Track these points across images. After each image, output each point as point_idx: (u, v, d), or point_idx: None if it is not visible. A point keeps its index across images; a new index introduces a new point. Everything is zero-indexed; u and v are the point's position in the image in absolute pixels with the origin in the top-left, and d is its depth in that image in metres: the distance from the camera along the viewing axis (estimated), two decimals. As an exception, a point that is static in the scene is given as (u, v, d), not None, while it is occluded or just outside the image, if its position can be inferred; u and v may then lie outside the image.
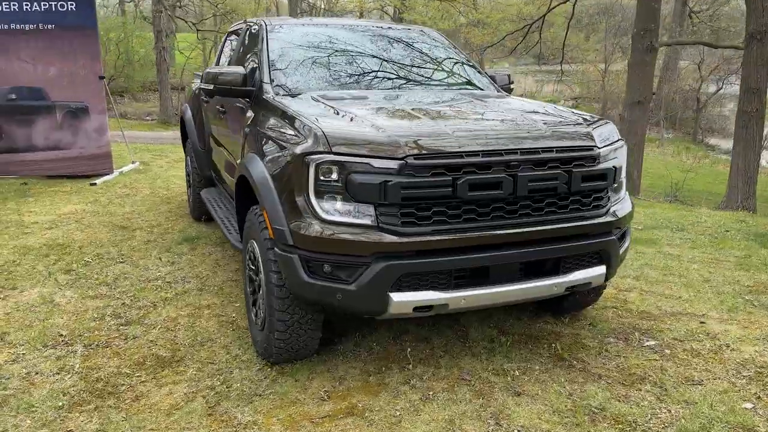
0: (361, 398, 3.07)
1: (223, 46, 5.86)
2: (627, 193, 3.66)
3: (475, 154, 2.96)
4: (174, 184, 8.26)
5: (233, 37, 5.57)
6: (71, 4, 7.82)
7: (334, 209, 2.93)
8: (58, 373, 3.37)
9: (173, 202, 7.19)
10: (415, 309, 3.00)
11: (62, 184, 8.01)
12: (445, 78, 4.45)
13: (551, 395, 3.07)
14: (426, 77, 4.37)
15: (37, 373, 3.37)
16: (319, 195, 2.93)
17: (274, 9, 40.42)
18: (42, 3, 7.74)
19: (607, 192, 3.34)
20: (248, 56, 4.60)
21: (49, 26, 7.84)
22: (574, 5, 17.74)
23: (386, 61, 4.40)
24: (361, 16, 37.40)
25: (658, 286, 4.76)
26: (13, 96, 7.98)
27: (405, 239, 2.88)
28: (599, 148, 3.26)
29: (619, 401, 3.02)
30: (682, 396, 3.07)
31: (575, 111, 3.80)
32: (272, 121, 3.49)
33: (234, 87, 4.01)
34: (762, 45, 11.08)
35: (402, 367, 3.37)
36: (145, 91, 28.63)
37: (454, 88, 4.37)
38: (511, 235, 3.05)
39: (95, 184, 7.98)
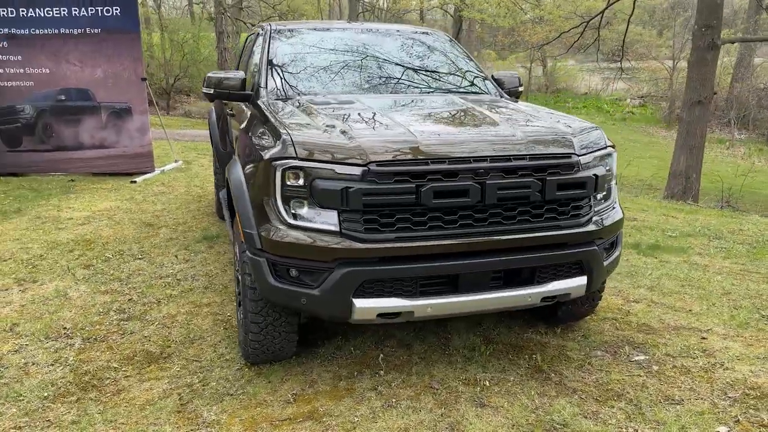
0: (324, 402, 3.09)
1: (242, 50, 5.99)
2: (618, 201, 3.53)
3: (441, 160, 2.93)
4: (209, 183, 8.50)
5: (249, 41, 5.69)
6: (116, 9, 8.17)
7: (299, 214, 2.96)
8: (52, 365, 3.55)
9: (203, 201, 7.41)
10: (380, 315, 3.00)
11: (105, 181, 8.39)
12: (441, 82, 4.41)
13: (516, 408, 3.00)
14: (422, 81, 4.34)
15: (33, 364, 3.56)
16: (285, 200, 2.97)
17: (337, 9, 40.89)
18: (89, 8, 8.12)
19: (589, 201, 3.23)
20: (252, 60, 4.69)
21: (96, 30, 8.22)
22: (634, 2, 17.12)
23: (385, 64, 4.40)
24: (422, 15, 37.34)
25: (671, 298, 4.57)
26: (63, 97, 8.43)
27: (367, 245, 2.89)
28: (578, 156, 3.16)
29: (586, 418, 2.93)
30: (655, 416, 2.94)
31: (566, 117, 3.68)
32: (256, 126, 3.56)
33: (233, 92, 4.10)
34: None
35: (374, 372, 3.37)
36: (209, 90, 29.48)
37: (449, 92, 4.32)
38: (480, 243, 3.01)
39: (135, 181, 8.32)
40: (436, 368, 3.41)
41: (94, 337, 3.91)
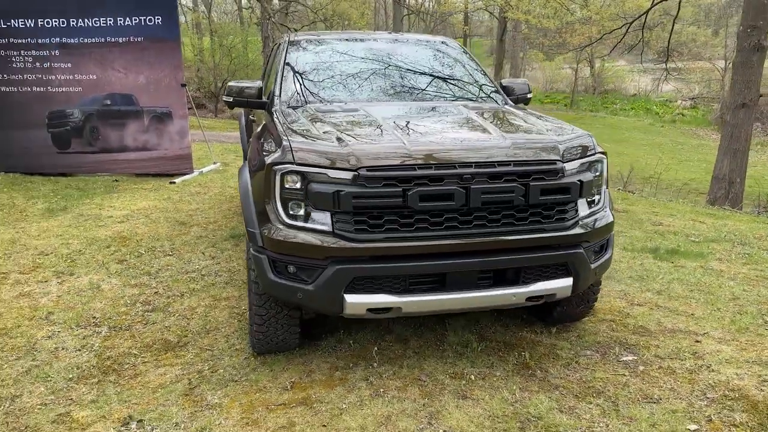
0: (318, 390, 3.33)
1: (267, 59, 6.29)
2: (608, 205, 3.65)
3: (427, 166, 3.13)
4: (244, 183, 8.86)
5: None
6: (158, 19, 8.62)
7: (296, 215, 3.20)
8: (79, 350, 3.89)
9: (235, 201, 7.76)
10: (369, 310, 3.22)
11: (147, 181, 8.85)
12: (447, 90, 4.59)
13: (495, 401, 3.17)
14: (428, 90, 4.54)
15: (62, 349, 3.91)
16: (284, 202, 3.22)
17: (383, 12, 41.26)
18: (133, 18, 8.59)
19: (574, 205, 3.36)
20: (273, 69, 4.97)
21: (139, 39, 8.69)
22: (679, 2, 16.83)
23: (394, 74, 4.61)
24: (466, 17, 37.32)
25: (676, 302, 4.63)
26: (108, 102, 8.93)
27: (357, 245, 3.10)
28: (563, 162, 3.30)
29: (562, 412, 3.07)
30: (629, 412, 3.06)
31: (560, 125, 3.81)
32: (266, 132, 3.82)
33: (250, 99, 4.39)
34: None
35: (368, 364, 3.59)
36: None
37: (453, 100, 4.48)
38: (465, 244, 3.19)
39: (174, 182, 8.75)
40: (427, 362, 3.60)
41: (119, 326, 4.24)
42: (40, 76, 8.80)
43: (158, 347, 3.94)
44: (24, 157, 9.09)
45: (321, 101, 4.28)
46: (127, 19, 8.60)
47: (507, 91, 4.84)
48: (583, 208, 3.43)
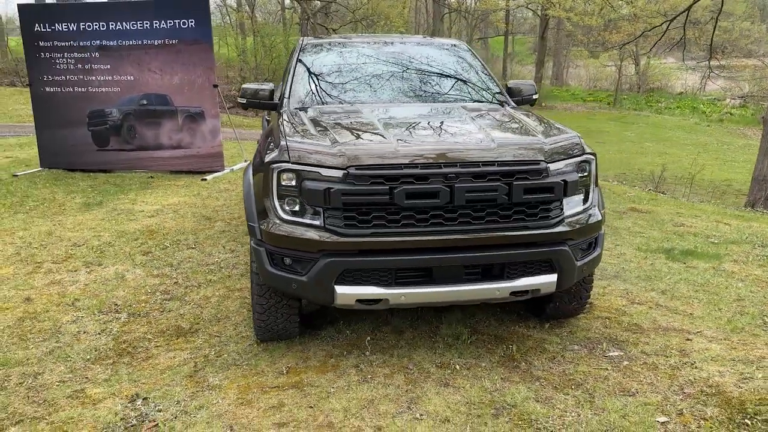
0: (311, 375, 3.54)
1: (288, 61, 6.54)
2: (597, 204, 3.74)
3: (413, 166, 3.30)
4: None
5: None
6: (191, 21, 8.98)
7: (291, 211, 3.42)
8: (99, 334, 4.20)
9: (261, 198, 8.04)
10: (358, 301, 3.41)
11: (180, 178, 9.24)
12: (449, 92, 4.74)
13: (475, 389, 3.33)
14: (430, 91, 4.70)
15: (84, 333, 4.22)
16: (280, 198, 3.44)
17: (424, 11, 41.33)
18: (167, 21, 8.98)
19: (559, 204, 3.48)
20: (287, 71, 5.20)
21: (173, 41, 9.07)
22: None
23: (399, 76, 4.78)
24: (508, 15, 37.09)
25: (678, 302, 4.68)
26: (145, 102, 9.35)
27: (346, 239, 3.30)
28: (547, 162, 3.42)
29: (537, 402, 3.20)
30: (603, 404, 3.17)
31: (551, 126, 3.91)
32: (271, 132, 4.05)
33: (262, 101, 4.63)
34: None
35: (361, 353, 3.78)
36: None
37: (453, 101, 4.62)
38: (450, 240, 3.35)
39: (206, 179, 9.11)
40: (417, 352, 3.78)
41: (138, 312, 4.54)
42: (81, 77, 9.28)
43: (171, 333, 4.22)
44: (66, 154, 9.59)
45: (326, 102, 4.49)
46: (162, 22, 8.99)
47: (513, 92, 4.96)
48: (569, 207, 3.54)
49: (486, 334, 4.03)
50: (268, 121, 5.43)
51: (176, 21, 9.00)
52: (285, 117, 4.12)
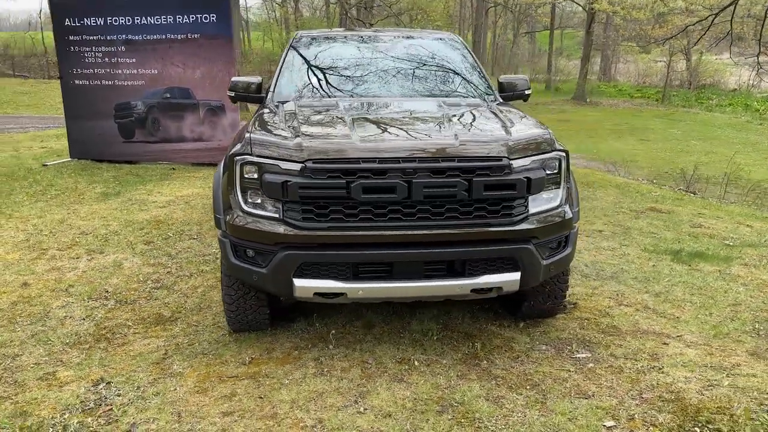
0: (270, 366, 3.57)
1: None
2: (571, 203, 3.66)
3: (371, 160, 3.28)
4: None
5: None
6: (212, 16, 9.15)
7: (254, 203, 3.46)
8: (83, 320, 4.33)
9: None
10: (317, 294, 3.42)
11: (199, 170, 9.43)
12: (430, 86, 4.69)
13: (427, 386, 3.30)
14: (409, 86, 4.66)
15: (70, 318, 4.36)
16: (243, 190, 3.48)
17: (468, 3, 40.93)
18: (190, 16, 9.17)
19: (523, 201, 3.40)
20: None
21: (195, 35, 9.26)
22: (771, -9, 15.76)
23: (382, 70, 4.76)
24: (553, 8, 36.38)
25: (667, 305, 4.54)
26: (168, 95, 9.58)
27: (304, 232, 3.32)
28: (510, 159, 3.35)
29: (487, 400, 3.16)
30: (554, 405, 3.11)
31: (522, 122, 3.81)
32: (246, 125, 4.09)
33: (249, 94, 4.68)
34: None
35: (325, 346, 3.80)
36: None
37: (431, 96, 4.57)
38: (408, 236, 3.32)
39: (224, 171, 9.26)
40: (380, 347, 3.77)
41: (125, 300, 4.67)
42: (108, 70, 9.57)
43: (151, 321, 4.32)
44: (94, 144, 9.92)
45: (307, 96, 4.50)
46: (185, 17, 9.18)
47: (505, 87, 4.88)
48: (534, 204, 3.47)
49: (456, 330, 3.99)
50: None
51: (198, 16, 9.18)
52: (264, 110, 4.16)
